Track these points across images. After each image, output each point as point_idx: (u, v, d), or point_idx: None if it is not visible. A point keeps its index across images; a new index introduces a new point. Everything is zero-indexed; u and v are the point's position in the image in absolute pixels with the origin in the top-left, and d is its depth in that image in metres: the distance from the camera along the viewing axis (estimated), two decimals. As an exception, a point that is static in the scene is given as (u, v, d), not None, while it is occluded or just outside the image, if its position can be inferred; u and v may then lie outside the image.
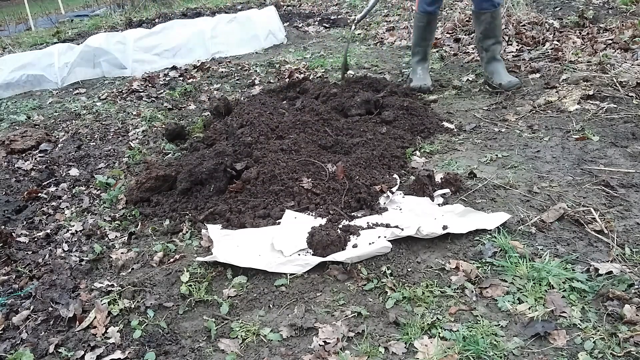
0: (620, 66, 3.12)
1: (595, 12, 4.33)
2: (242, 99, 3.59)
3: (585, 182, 2.12)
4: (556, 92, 3.06)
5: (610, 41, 3.65)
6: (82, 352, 1.54)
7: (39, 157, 3.11)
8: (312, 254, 1.82)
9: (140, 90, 4.19)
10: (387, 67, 4.14)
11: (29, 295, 1.82)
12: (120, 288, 1.79)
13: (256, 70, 4.44)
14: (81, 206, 2.45)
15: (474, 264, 1.71)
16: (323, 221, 1.98)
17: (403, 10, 6.14)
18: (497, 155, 2.43)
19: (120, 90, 4.26)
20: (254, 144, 2.49)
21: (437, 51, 4.36)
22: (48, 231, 2.25)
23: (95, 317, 1.65)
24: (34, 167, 2.95)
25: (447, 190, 2.14)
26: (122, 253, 2.01)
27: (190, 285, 1.75)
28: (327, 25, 6.16)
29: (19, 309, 1.75)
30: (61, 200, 2.54)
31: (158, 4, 9.74)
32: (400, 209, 2.07)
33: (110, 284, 1.83)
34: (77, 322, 1.66)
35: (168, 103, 3.83)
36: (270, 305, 1.65)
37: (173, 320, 1.64)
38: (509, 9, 4.65)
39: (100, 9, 11.46)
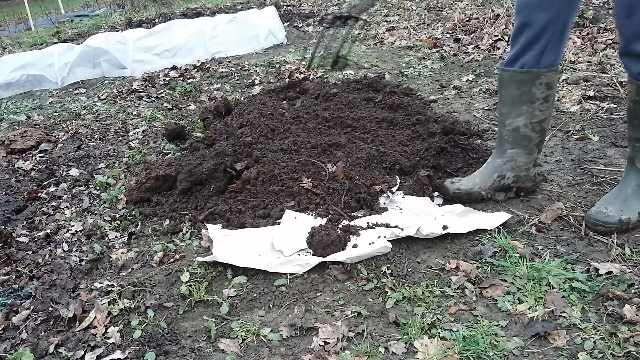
0: (620, 66, 3.12)
1: (595, 12, 4.33)
2: (242, 99, 3.59)
3: (585, 182, 2.12)
4: (556, 92, 3.05)
5: (610, 41, 3.65)
6: (82, 352, 1.53)
7: (39, 157, 3.11)
8: (312, 254, 1.82)
9: (140, 90, 4.19)
10: (387, 67, 4.14)
11: (29, 295, 1.82)
12: (120, 288, 1.79)
13: (256, 70, 4.44)
14: (81, 206, 2.45)
15: (474, 264, 1.71)
16: (323, 221, 1.98)
17: (403, 10, 6.14)
18: (497, 155, 2.43)
19: (120, 90, 4.26)
20: (254, 144, 2.49)
21: (437, 51, 4.36)
22: (48, 231, 2.25)
23: (95, 317, 1.65)
24: (34, 167, 2.95)
25: (447, 190, 2.14)
26: (122, 253, 2.01)
27: (190, 285, 1.75)
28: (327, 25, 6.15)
29: (19, 309, 1.75)
30: (61, 200, 2.54)
31: (158, 4, 9.75)
32: (400, 209, 2.07)
33: (110, 284, 1.83)
34: (77, 322, 1.66)
35: (168, 103, 3.83)
36: (270, 305, 1.65)
37: (173, 320, 1.64)
38: (508, 9, 4.65)
39: (100, 9, 11.48)
